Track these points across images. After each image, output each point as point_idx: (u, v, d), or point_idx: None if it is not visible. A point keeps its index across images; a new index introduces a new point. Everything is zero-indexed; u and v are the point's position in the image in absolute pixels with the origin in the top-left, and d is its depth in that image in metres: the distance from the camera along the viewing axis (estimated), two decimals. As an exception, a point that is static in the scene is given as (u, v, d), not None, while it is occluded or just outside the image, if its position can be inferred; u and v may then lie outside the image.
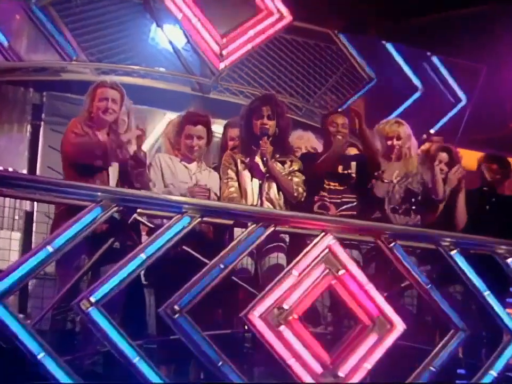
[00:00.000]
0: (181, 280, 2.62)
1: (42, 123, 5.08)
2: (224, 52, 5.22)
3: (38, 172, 4.89)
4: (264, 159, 3.37)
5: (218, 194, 3.46)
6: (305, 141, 4.13)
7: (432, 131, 6.21)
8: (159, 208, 2.71)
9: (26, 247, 4.44)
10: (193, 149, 3.47)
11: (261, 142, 3.40)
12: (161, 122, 5.48)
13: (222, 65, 5.24)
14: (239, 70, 5.63)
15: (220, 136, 4.02)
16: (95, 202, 2.49)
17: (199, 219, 2.71)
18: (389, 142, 3.73)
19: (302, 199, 3.47)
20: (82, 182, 2.76)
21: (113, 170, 3.19)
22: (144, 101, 5.15)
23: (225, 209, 2.85)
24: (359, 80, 6.16)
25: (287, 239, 3.34)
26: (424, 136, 6.03)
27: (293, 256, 2.91)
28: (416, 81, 6.28)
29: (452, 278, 3.16)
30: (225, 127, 3.99)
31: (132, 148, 3.25)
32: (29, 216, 4.64)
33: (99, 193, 2.50)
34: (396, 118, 3.96)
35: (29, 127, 5.06)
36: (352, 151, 3.98)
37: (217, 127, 6.05)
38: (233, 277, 2.90)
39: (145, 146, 5.59)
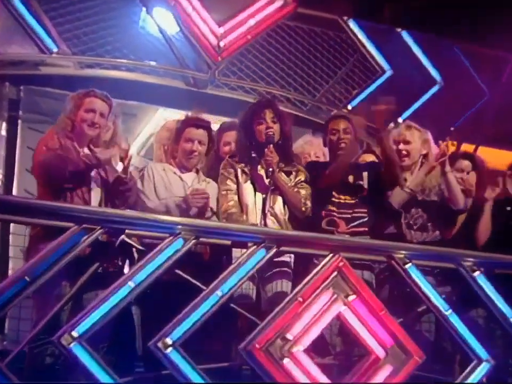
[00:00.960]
0: (173, 308, 2.59)
1: (19, 121, 5.04)
2: (222, 44, 5.18)
3: (15, 175, 4.86)
4: (270, 170, 3.33)
5: (215, 208, 3.41)
6: (315, 146, 4.07)
7: (452, 129, 6.19)
8: (148, 229, 2.67)
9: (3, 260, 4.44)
10: (192, 154, 3.41)
11: (266, 150, 3.35)
12: (153, 119, 5.59)
13: (219, 58, 5.21)
14: (238, 63, 5.60)
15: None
16: (78, 224, 2.46)
17: (194, 240, 2.67)
18: (396, 146, 3.68)
19: (310, 214, 3.44)
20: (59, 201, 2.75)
21: (96, 192, 3.12)
22: (133, 96, 5.20)
23: (223, 229, 2.81)
24: (372, 72, 6.10)
25: (292, 263, 3.31)
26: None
27: (299, 279, 2.89)
28: (434, 74, 6.11)
29: (475, 301, 3.13)
30: (220, 131, 3.92)
31: (117, 165, 3.20)
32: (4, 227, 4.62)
33: (83, 215, 2.47)
34: (408, 121, 3.88)
35: (4, 125, 5.02)
36: (368, 157, 3.92)
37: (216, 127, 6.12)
38: (232, 304, 2.86)
39: (134, 148, 5.76)
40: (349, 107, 6.09)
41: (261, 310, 3.16)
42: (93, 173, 3.14)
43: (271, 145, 3.38)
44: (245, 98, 5.43)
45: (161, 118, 5.62)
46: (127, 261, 3.09)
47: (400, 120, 6.17)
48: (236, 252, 3.00)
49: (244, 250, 2.79)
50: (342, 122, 3.62)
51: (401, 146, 3.68)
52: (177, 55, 5.28)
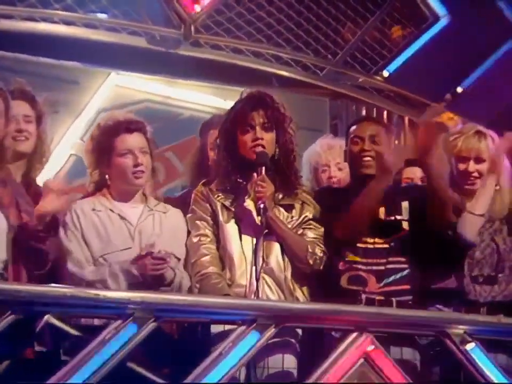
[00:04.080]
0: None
1: None
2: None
3: None
4: (261, 206, 3.20)
5: (180, 254, 3.30)
6: (337, 153, 3.98)
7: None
8: (84, 310, 2.63)
9: None
10: (136, 171, 3.30)
11: (255, 177, 3.23)
12: (103, 87, 5.79)
13: (197, 9, 5.34)
14: (222, 15, 5.62)
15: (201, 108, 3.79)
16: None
17: (153, 323, 2.60)
18: (463, 166, 3.56)
19: (321, 267, 3.35)
20: None
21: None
22: (74, 57, 5.40)
23: (194, 306, 2.70)
24: (418, 20, 6.01)
25: (299, 330, 3.25)
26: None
27: (309, 360, 2.91)
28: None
29: None
30: (203, 129, 3.89)
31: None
32: None
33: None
34: (478, 126, 3.68)
35: None
36: (413, 173, 3.87)
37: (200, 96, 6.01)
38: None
39: (76, 131, 5.72)
40: (385, 73, 6.01)
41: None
42: None
43: (263, 167, 3.24)
44: (230, 60, 5.63)
45: (113, 87, 5.79)
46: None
47: (459, 89, 6.10)
48: (216, 327, 3.02)
49: (228, 326, 2.78)
50: (370, 127, 3.51)
51: (473, 165, 3.55)
52: (138, 4, 5.41)
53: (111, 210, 3.30)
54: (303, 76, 5.88)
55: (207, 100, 6.03)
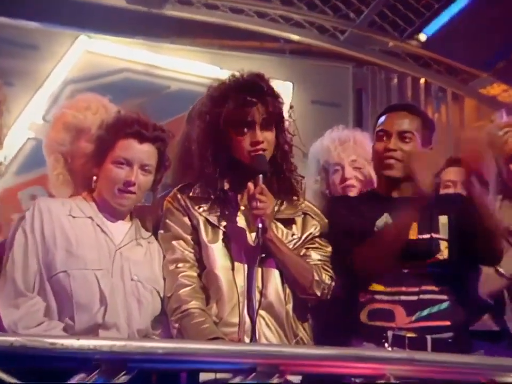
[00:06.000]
0: None
1: None
2: None
3: None
4: (260, 226, 3.11)
5: (160, 287, 3.24)
6: (352, 149, 3.96)
7: None
8: (37, 363, 2.53)
9: None
10: (125, 190, 3.20)
11: (251, 188, 3.14)
12: (70, 53, 5.94)
13: None
14: None
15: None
16: None
17: (125, 376, 2.54)
18: None
19: (329, 296, 3.30)
20: None
21: None
22: (33, 15, 5.58)
23: (173, 355, 2.64)
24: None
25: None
26: None
27: None
28: None
29: None
30: (192, 116, 3.75)
31: None
32: None
33: None
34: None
35: None
36: (455, 174, 3.90)
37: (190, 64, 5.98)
38: None
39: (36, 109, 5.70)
40: (422, 36, 5.96)
41: None
42: None
43: (260, 176, 3.16)
44: (233, 22, 5.75)
45: (82, 53, 5.90)
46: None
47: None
48: (206, 375, 2.95)
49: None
50: (402, 119, 3.44)
51: None
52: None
53: (90, 218, 3.22)
54: (319, 40, 5.83)
55: (200, 68, 6.05)
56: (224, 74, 5.63)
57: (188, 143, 3.84)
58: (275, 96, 3.30)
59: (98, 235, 3.20)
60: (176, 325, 3.14)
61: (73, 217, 3.20)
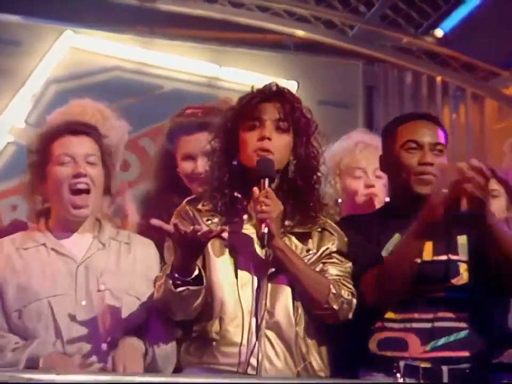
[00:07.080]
0: None
1: None
2: None
3: None
4: (264, 232, 3.14)
5: (142, 298, 3.28)
6: (374, 156, 3.85)
7: None
8: None
9: None
10: (77, 181, 3.30)
11: (256, 192, 3.17)
12: (55, 49, 6.05)
13: None
14: None
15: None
16: None
17: None
18: None
19: (351, 315, 3.28)
20: None
21: None
22: (14, 9, 5.74)
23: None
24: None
25: None
26: None
27: None
28: None
29: None
30: (172, 135, 3.91)
31: None
32: None
33: None
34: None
35: None
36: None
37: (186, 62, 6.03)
38: None
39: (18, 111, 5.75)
40: (438, 32, 5.99)
41: None
42: None
43: (266, 180, 3.20)
44: (232, 16, 5.73)
45: (68, 49, 6.03)
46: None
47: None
48: None
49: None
50: (430, 130, 3.46)
51: None
52: None
53: (43, 245, 3.31)
54: (327, 36, 5.84)
55: (196, 66, 6.07)
56: (223, 72, 5.67)
57: (169, 159, 3.94)
58: (296, 101, 3.33)
59: (52, 260, 3.30)
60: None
61: (25, 249, 3.32)
